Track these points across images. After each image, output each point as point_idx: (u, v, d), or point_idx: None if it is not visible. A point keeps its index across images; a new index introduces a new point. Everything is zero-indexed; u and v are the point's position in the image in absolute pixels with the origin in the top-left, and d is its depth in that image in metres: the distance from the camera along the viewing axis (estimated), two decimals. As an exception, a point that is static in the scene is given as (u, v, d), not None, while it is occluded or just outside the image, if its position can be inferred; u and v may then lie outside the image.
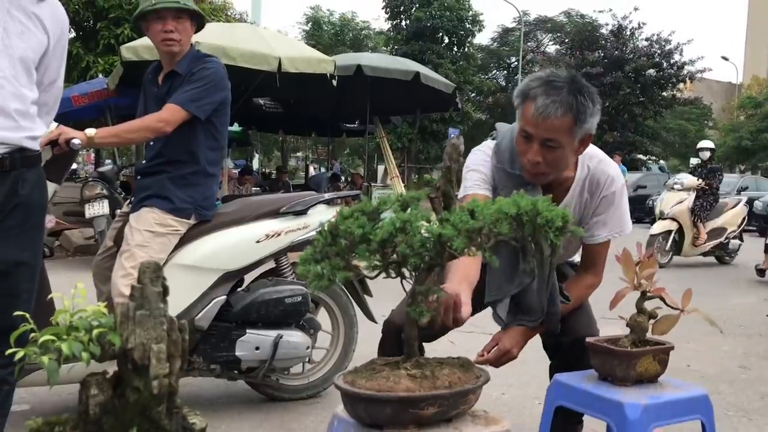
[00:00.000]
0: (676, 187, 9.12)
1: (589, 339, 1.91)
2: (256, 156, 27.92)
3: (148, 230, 2.74)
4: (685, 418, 1.88)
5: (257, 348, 2.92)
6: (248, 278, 3.10)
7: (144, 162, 2.93)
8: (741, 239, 9.51)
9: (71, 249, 8.51)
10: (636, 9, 27.20)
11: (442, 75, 14.49)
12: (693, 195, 8.97)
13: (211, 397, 3.28)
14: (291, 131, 17.59)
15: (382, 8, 25.68)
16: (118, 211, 3.16)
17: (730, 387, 3.64)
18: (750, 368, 4.05)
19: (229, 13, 17.03)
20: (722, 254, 9.43)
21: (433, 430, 1.38)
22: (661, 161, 29.45)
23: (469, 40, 26.38)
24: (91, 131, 2.58)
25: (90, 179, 7.43)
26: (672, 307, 1.87)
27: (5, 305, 1.80)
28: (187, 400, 2.94)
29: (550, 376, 2.11)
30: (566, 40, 29.69)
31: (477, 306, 1.89)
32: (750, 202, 12.64)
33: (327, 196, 3.28)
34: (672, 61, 25.48)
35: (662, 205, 9.06)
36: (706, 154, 9.31)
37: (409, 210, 1.41)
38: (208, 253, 2.86)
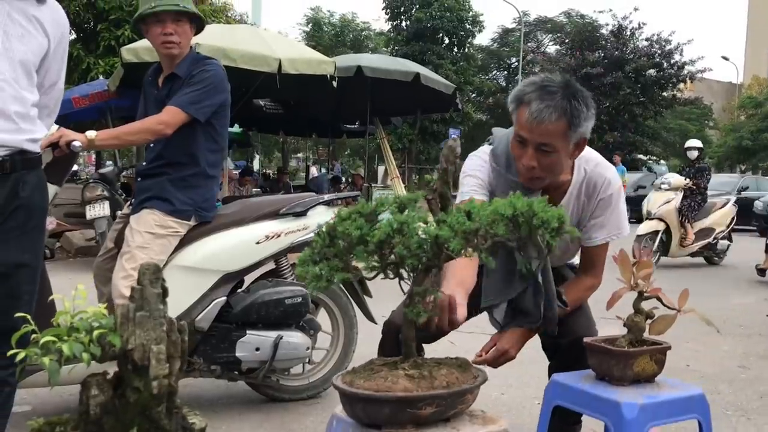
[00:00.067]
0: (663, 186, 8.90)
1: (586, 339, 1.92)
2: (257, 157, 27.91)
3: (149, 232, 2.76)
4: (681, 418, 1.89)
5: (257, 349, 2.93)
6: (248, 279, 3.11)
7: (144, 164, 2.94)
8: (730, 239, 9.35)
9: (72, 250, 8.53)
10: (636, 9, 27.22)
11: (442, 76, 14.51)
12: (680, 195, 8.77)
13: (212, 397, 3.29)
14: (291, 132, 17.61)
15: (383, 9, 25.75)
16: (119, 213, 3.17)
17: (730, 387, 3.65)
18: (749, 368, 4.06)
19: (229, 15, 17.07)
20: (711, 255, 9.25)
21: (431, 429, 1.39)
22: (662, 161, 29.37)
23: (469, 40, 26.40)
24: (91, 133, 2.59)
25: (91, 181, 7.42)
26: (669, 308, 1.88)
27: (6, 307, 1.81)
28: (188, 400, 2.96)
29: (549, 377, 2.12)
30: (566, 41, 29.65)
31: (473, 310, 1.90)
32: (750, 202, 12.65)
33: (327, 197, 3.28)
34: (672, 61, 25.45)
35: (649, 204, 8.84)
36: (694, 154, 9.12)
37: (406, 211, 1.42)
38: (208, 255, 2.87)
